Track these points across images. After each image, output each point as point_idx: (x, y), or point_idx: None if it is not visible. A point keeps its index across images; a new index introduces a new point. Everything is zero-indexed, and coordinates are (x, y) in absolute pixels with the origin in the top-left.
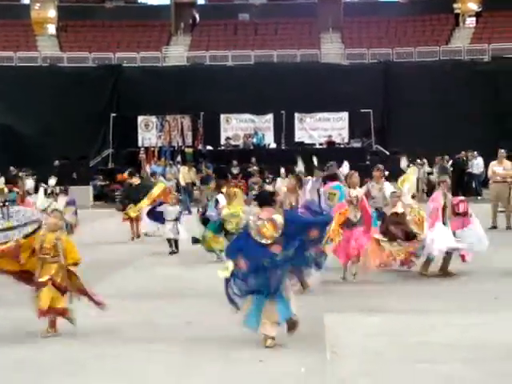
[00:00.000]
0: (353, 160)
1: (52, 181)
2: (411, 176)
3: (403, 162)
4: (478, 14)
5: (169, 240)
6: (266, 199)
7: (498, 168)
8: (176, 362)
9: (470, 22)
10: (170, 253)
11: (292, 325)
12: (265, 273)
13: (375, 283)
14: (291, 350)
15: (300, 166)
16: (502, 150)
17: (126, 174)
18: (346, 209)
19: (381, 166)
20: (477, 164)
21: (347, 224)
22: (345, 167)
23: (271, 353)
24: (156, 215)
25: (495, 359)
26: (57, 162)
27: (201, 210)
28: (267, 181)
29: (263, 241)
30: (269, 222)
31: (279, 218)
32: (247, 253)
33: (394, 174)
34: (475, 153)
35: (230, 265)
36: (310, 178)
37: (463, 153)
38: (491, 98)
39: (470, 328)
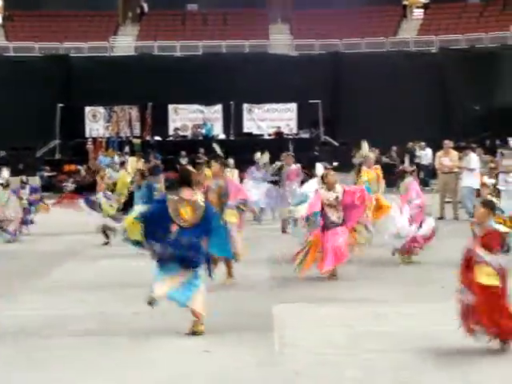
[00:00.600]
0: (301, 151)
1: (5, 173)
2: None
3: (318, 169)
4: (425, 6)
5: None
6: (186, 179)
7: (444, 159)
8: (123, 352)
9: (418, 13)
10: (106, 243)
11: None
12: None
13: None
14: (240, 340)
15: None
16: (448, 141)
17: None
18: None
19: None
20: (425, 155)
21: (328, 226)
22: (318, 169)
23: (219, 344)
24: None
25: (443, 348)
26: (3, 153)
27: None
28: None
29: (180, 222)
30: (189, 205)
31: (201, 201)
32: (159, 225)
33: (345, 165)
34: (423, 143)
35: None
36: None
37: (411, 143)
38: (438, 89)
39: (419, 317)
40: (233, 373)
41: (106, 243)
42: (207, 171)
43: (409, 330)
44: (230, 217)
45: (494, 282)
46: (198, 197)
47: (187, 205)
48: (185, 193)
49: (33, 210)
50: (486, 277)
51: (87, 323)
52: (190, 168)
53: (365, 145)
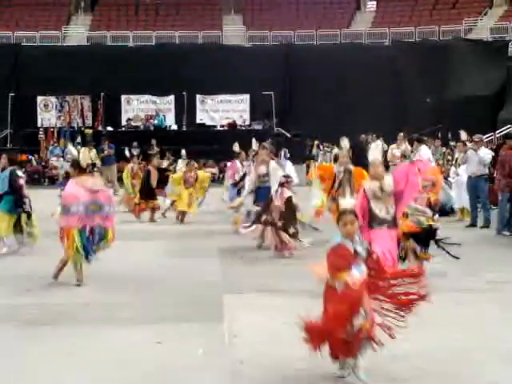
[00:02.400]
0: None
1: None
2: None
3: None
4: None
5: None
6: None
7: (396, 151)
8: (73, 345)
9: (371, 6)
10: None
11: None
12: None
13: (274, 264)
14: (190, 331)
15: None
16: (402, 134)
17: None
18: None
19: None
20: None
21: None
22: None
23: (169, 335)
24: None
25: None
26: None
27: None
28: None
29: None
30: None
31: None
32: None
33: (297, 157)
34: (375, 136)
35: None
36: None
37: (363, 136)
38: (391, 82)
39: None
40: (179, 362)
41: None
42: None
43: None
44: None
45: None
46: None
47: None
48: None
49: None
50: None
51: (35, 313)
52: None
53: (345, 141)
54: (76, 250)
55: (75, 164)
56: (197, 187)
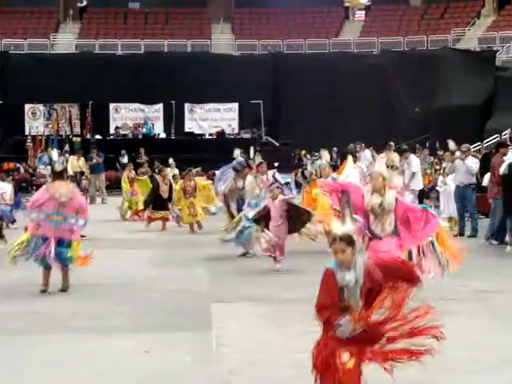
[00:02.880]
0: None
1: None
2: None
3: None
4: (367, 8)
5: None
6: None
7: (384, 160)
8: (61, 354)
9: (360, 15)
10: None
11: None
12: None
13: (261, 273)
14: (177, 340)
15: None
16: (391, 143)
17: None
18: None
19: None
20: (364, 156)
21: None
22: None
23: (157, 343)
24: None
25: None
26: None
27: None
28: (156, 171)
29: None
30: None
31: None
32: None
33: (286, 166)
34: (363, 145)
35: None
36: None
37: (351, 145)
38: (379, 91)
39: None
40: (167, 371)
41: None
42: None
43: None
44: None
45: None
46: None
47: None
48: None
49: None
50: None
51: (23, 321)
52: None
53: (325, 154)
54: (14, 251)
55: (52, 169)
56: (204, 195)
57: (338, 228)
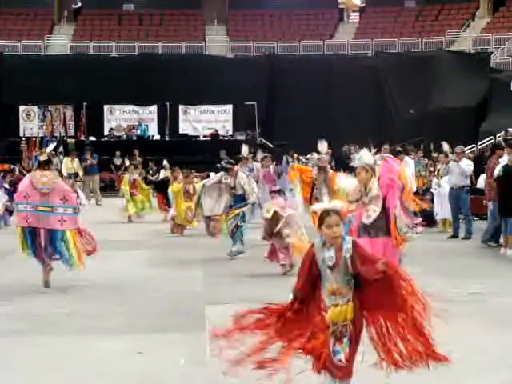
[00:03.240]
0: (236, 152)
1: None
2: None
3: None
4: (361, 10)
5: None
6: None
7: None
8: (55, 355)
9: (354, 17)
10: None
11: None
12: None
13: (256, 274)
14: (171, 341)
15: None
16: (386, 146)
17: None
18: None
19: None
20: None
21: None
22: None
23: (151, 344)
24: None
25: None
26: None
27: None
28: (150, 172)
29: None
30: None
31: None
32: None
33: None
34: (357, 146)
35: None
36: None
37: (346, 146)
38: (374, 93)
39: None
40: (160, 373)
41: None
42: None
43: None
44: None
45: None
46: None
47: None
48: None
49: None
50: None
51: (20, 322)
52: None
53: (323, 144)
54: (22, 248)
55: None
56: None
57: (325, 204)
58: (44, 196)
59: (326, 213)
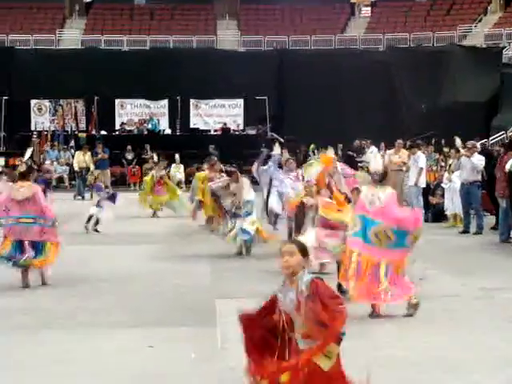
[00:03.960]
0: (247, 147)
1: None
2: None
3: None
4: (373, 4)
5: None
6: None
7: (394, 157)
8: (61, 350)
9: (366, 11)
10: None
11: None
12: None
13: (264, 270)
14: (182, 336)
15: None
16: (400, 140)
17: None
18: None
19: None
20: (371, 152)
21: None
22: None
23: (162, 339)
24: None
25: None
26: None
27: None
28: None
29: None
30: None
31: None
32: None
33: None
34: (369, 141)
35: None
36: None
37: (357, 141)
38: (385, 87)
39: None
40: (170, 368)
41: None
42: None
43: None
44: None
45: None
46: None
47: None
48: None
49: None
50: None
51: (25, 317)
52: None
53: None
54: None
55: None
56: None
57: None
58: (23, 207)
59: (285, 242)
